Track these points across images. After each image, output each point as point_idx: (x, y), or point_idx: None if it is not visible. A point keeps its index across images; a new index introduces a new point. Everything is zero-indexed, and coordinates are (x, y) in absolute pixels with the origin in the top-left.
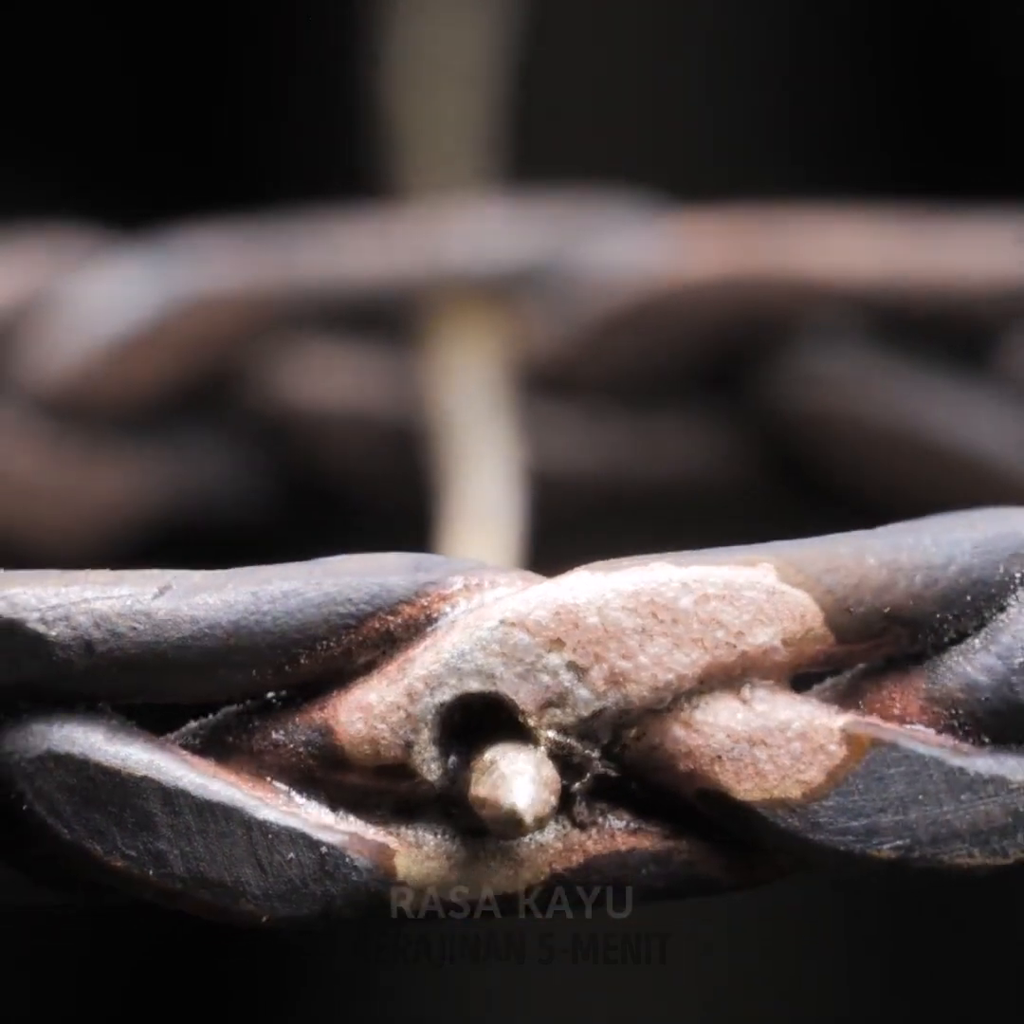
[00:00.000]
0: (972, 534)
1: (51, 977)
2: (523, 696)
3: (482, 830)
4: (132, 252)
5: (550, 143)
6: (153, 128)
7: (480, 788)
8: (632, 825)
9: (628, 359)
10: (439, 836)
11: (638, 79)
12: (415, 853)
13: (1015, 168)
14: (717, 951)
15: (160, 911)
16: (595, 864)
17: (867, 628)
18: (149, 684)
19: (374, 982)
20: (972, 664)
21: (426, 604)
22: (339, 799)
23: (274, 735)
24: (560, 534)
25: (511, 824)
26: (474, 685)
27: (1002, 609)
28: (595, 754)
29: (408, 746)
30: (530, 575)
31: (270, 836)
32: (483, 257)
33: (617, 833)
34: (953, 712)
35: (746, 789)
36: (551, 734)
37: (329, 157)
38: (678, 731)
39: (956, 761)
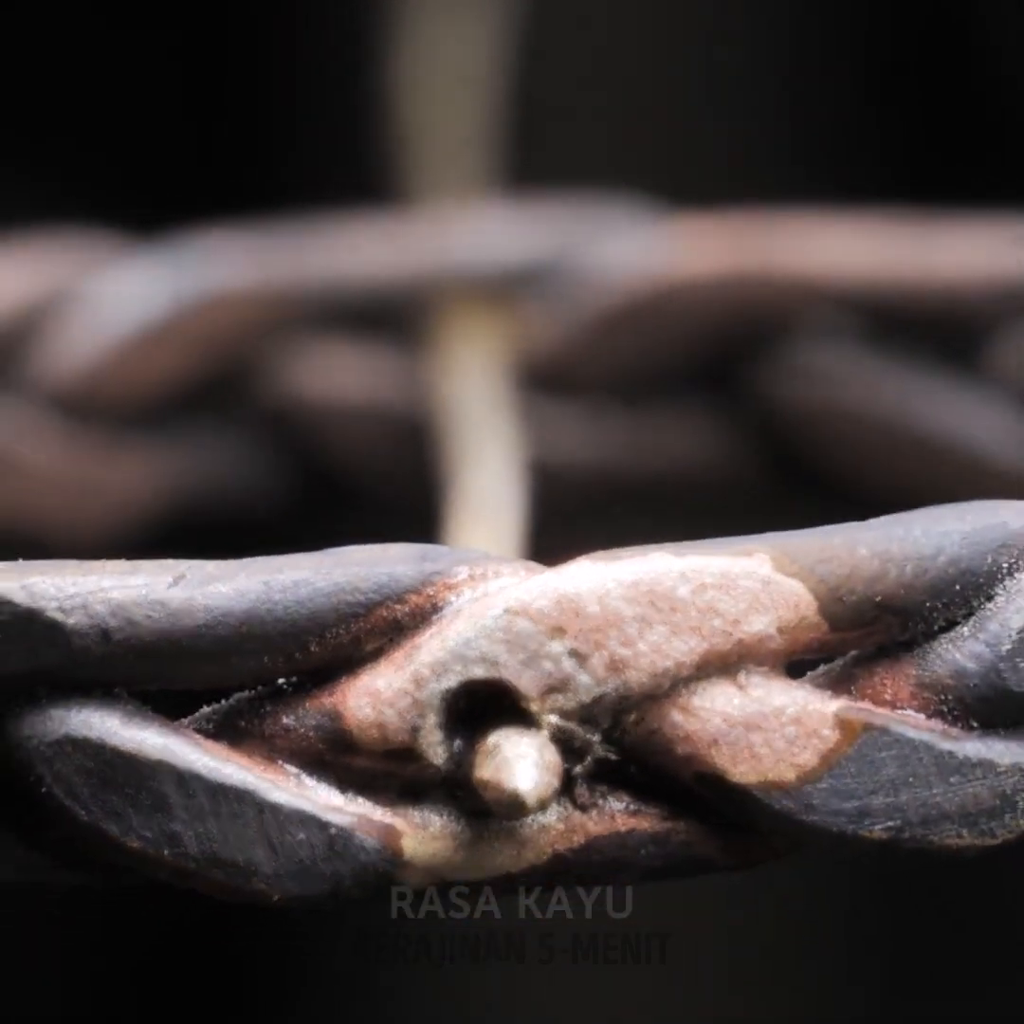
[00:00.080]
0: (961, 526)
1: (59, 956)
2: (526, 682)
3: (486, 812)
4: (146, 254)
5: (550, 149)
6: (163, 134)
7: (484, 771)
8: (632, 807)
9: (626, 355)
10: (444, 817)
11: (637, 85)
12: (421, 834)
13: (1009, 171)
14: (717, 951)
15: (173, 893)
16: (596, 844)
17: (859, 617)
18: (164, 671)
19: (374, 982)
20: (961, 651)
21: (432, 593)
22: (348, 782)
23: (285, 720)
24: (560, 526)
25: (514, 806)
26: (478, 672)
27: (990, 598)
28: (596, 738)
29: (415, 731)
30: (532, 565)
31: (281, 817)
32: (487, 258)
33: (617, 815)
34: (943, 698)
35: (742, 772)
36: (553, 719)
37: (338, 161)
38: (676, 716)
39: (945, 745)
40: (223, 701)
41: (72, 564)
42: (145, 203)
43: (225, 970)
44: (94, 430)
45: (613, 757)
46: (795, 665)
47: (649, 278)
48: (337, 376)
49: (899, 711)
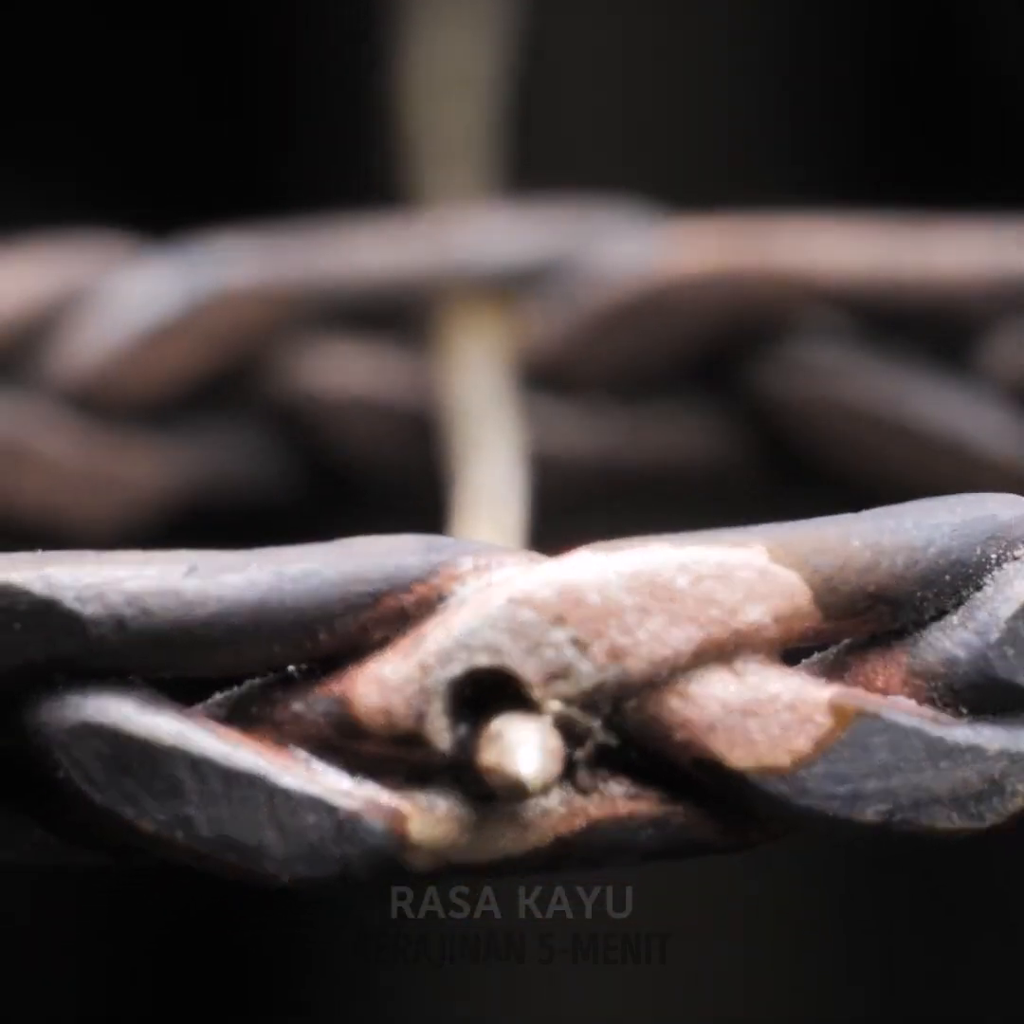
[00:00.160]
0: (951, 518)
1: (59, 942)
2: (529, 670)
3: (490, 796)
4: (159, 255)
5: (550, 153)
6: (172, 138)
7: (488, 756)
8: (632, 791)
9: (625, 352)
10: (450, 801)
11: (637, 90)
12: (427, 817)
13: (1005, 171)
14: (717, 951)
15: (181, 881)
16: (597, 827)
17: (852, 606)
18: (178, 659)
19: (374, 982)
20: (951, 640)
21: (438, 583)
22: (356, 766)
23: (295, 706)
24: (561, 518)
25: (517, 790)
26: (483, 659)
27: (979, 588)
28: (597, 724)
29: (421, 717)
30: (535, 556)
31: (291, 801)
32: (489, 258)
33: (617, 799)
34: (933, 685)
35: (738, 757)
36: (555, 705)
37: (346, 165)
38: (674, 703)
39: (936, 731)
40: (235, 688)
41: (89, 555)
42: (155, 206)
43: (225, 970)
44: (108, 425)
45: (614, 743)
46: (790, 653)
47: (647, 276)
48: (345, 373)
49: (891, 698)
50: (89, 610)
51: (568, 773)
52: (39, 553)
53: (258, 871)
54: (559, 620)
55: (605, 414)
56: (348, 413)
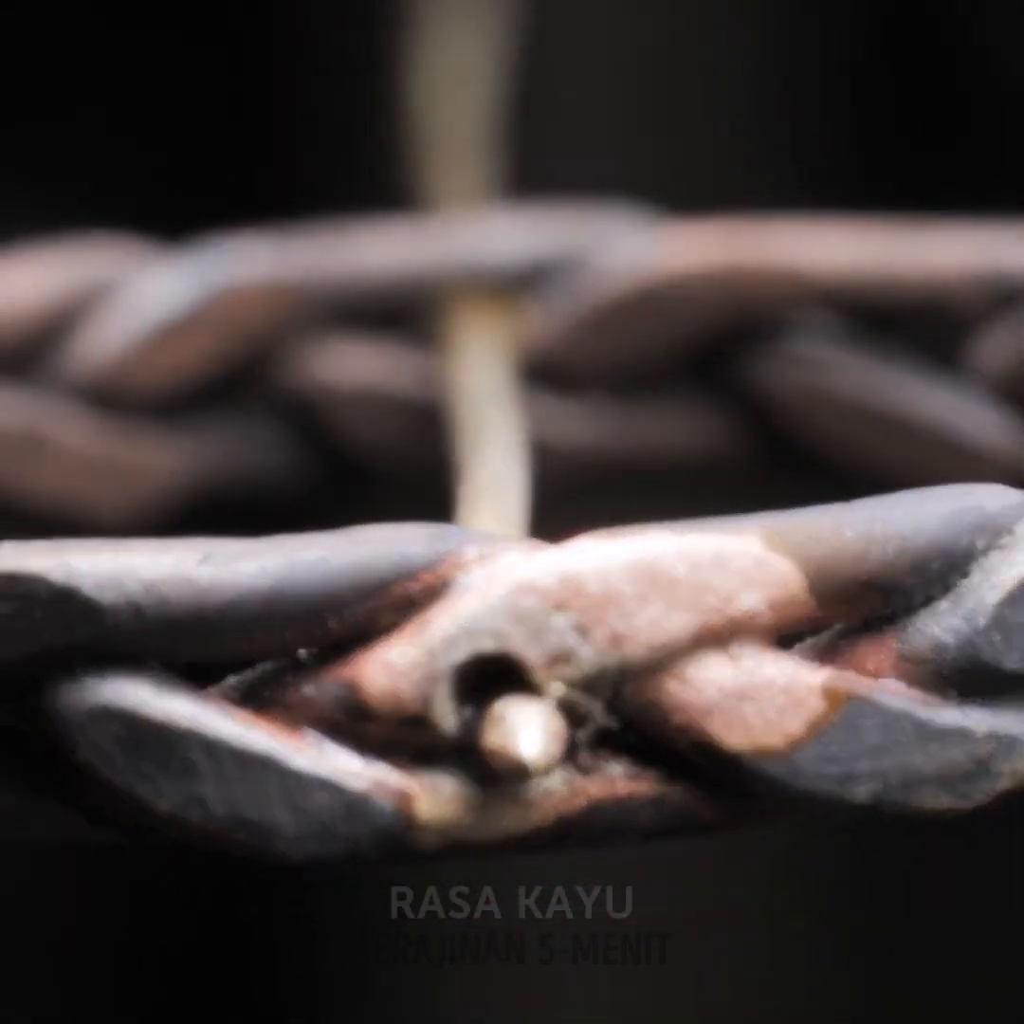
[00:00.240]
0: (941, 507)
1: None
2: (531, 654)
3: (495, 776)
4: (173, 256)
5: (551, 158)
6: (182, 144)
7: (492, 737)
8: (631, 772)
9: (622, 347)
10: (456, 782)
11: (637, 96)
12: (434, 797)
13: (998, 172)
14: (717, 951)
15: (184, 878)
16: (597, 807)
17: (845, 593)
18: (193, 644)
19: (374, 982)
20: (940, 626)
21: (443, 571)
22: (365, 749)
23: (306, 690)
24: (562, 508)
25: (520, 770)
26: (487, 645)
27: (966, 576)
28: (597, 707)
29: (427, 700)
30: (538, 544)
31: (303, 782)
32: (492, 258)
33: (618, 779)
34: (923, 669)
35: (734, 739)
36: (557, 689)
37: (355, 171)
38: (673, 687)
39: (925, 714)
40: (248, 672)
41: (106, 544)
42: (166, 210)
43: (225, 970)
44: (125, 418)
45: (614, 725)
46: (784, 638)
47: (644, 274)
48: (354, 367)
49: (882, 682)
50: (107, 598)
51: (570, 754)
52: (58, 542)
53: (270, 850)
54: (561, 607)
55: (603, 406)
56: (357, 406)
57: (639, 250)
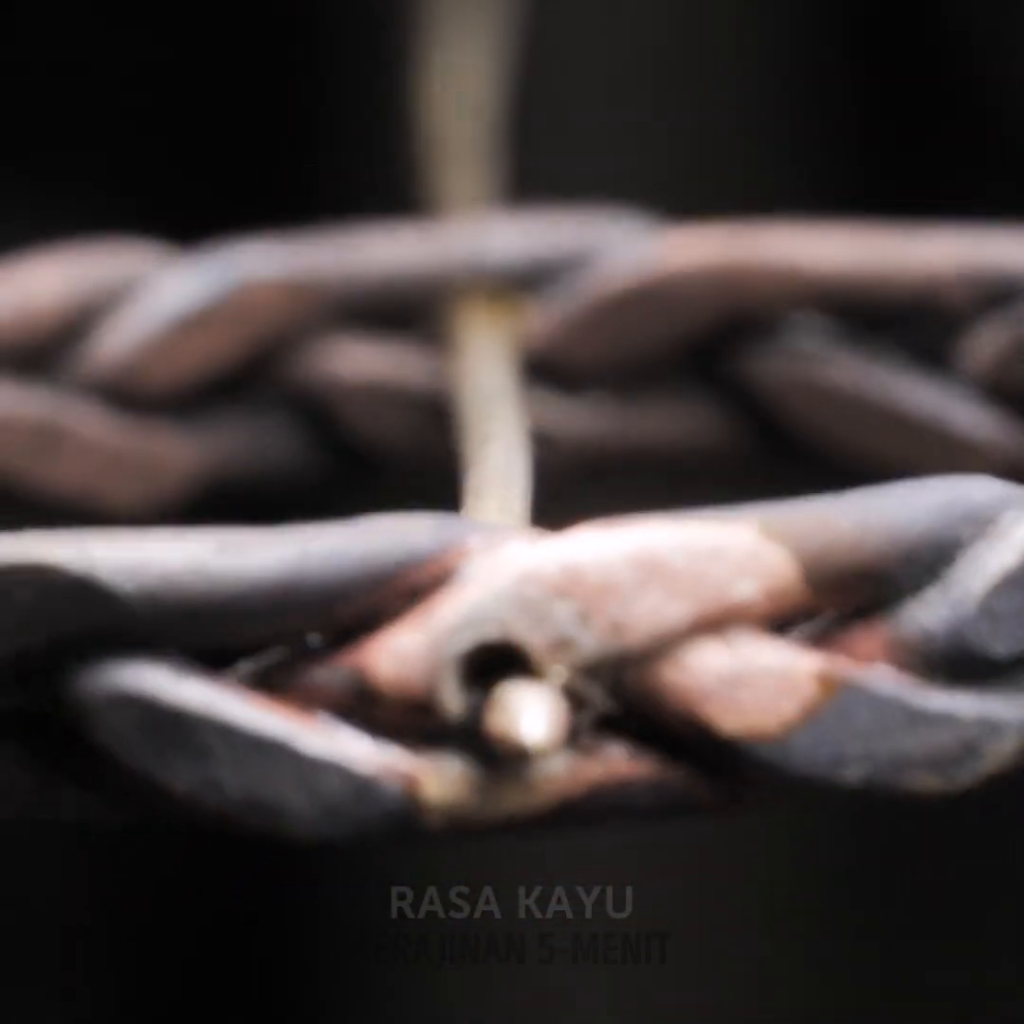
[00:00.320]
0: (931, 499)
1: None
2: (534, 641)
3: (499, 759)
4: (190, 257)
5: (552, 163)
6: (195, 152)
7: (496, 722)
8: (631, 756)
9: (621, 342)
10: (461, 765)
11: (636, 104)
12: (440, 780)
13: (993, 173)
14: (717, 951)
15: (186, 875)
16: (598, 790)
17: (838, 582)
18: (208, 631)
19: (374, 982)
20: (929, 614)
21: (449, 560)
22: (374, 732)
23: (316, 675)
24: (562, 498)
25: (523, 753)
26: (491, 632)
27: (955, 565)
28: (598, 693)
29: (433, 686)
30: (540, 534)
31: (314, 765)
32: (498, 258)
33: (618, 763)
34: (912, 656)
35: (730, 724)
36: (559, 675)
37: (365, 177)
38: (670, 673)
39: (914, 699)
40: (260, 657)
41: (124, 534)
42: (180, 217)
43: (225, 970)
44: (140, 412)
45: (614, 710)
46: (778, 625)
47: (643, 272)
48: (363, 362)
49: (873, 668)
50: (125, 586)
51: (572, 738)
52: (77, 533)
53: (282, 831)
54: (562, 595)
55: (604, 402)
56: (365, 401)
57: (639, 250)
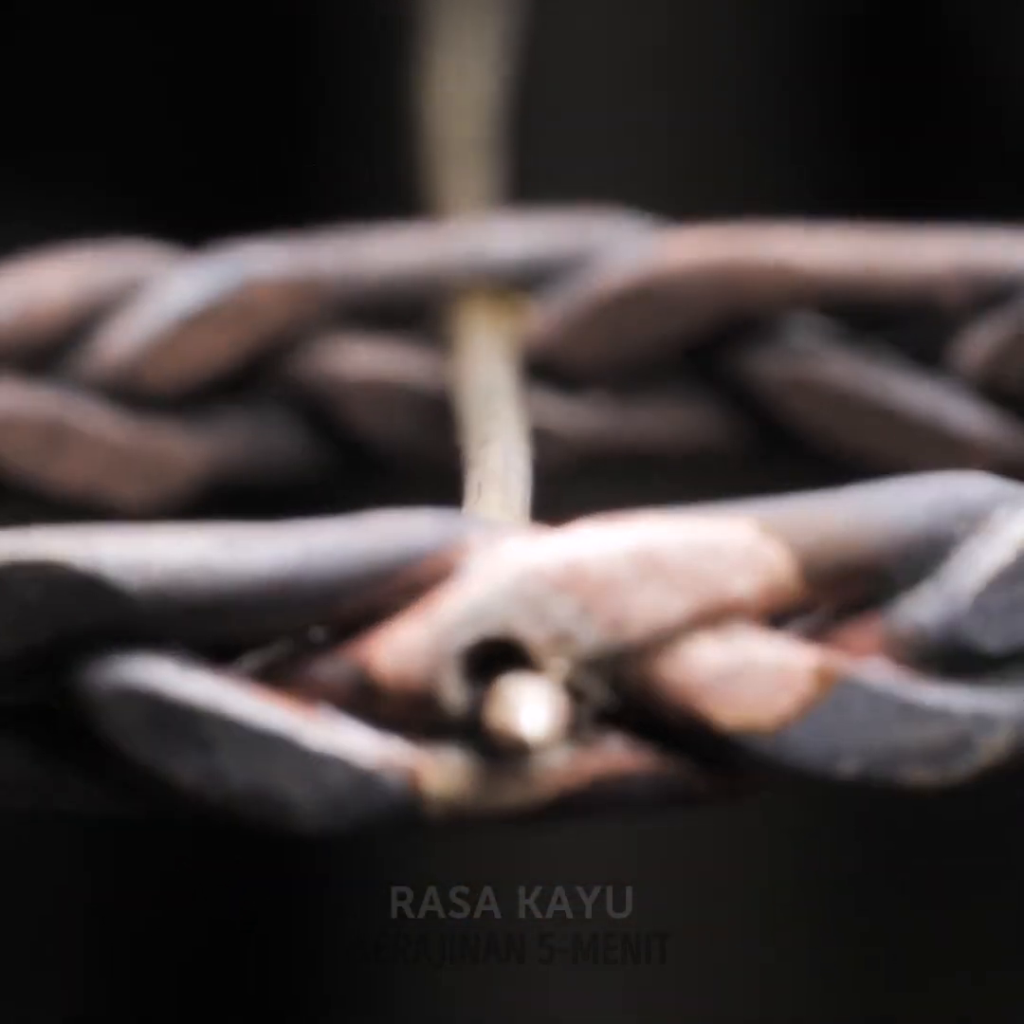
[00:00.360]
0: (926, 496)
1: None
2: (535, 636)
3: (499, 752)
4: (195, 258)
5: (551, 166)
6: (196, 154)
7: (496, 715)
8: (630, 748)
9: (620, 341)
10: (462, 757)
11: (636, 105)
12: (441, 773)
13: (991, 181)
14: (717, 951)
15: (185, 875)
16: (598, 782)
17: (834, 578)
18: (213, 626)
19: (374, 982)
20: (923, 609)
21: (451, 556)
22: (376, 725)
23: (319, 669)
24: (562, 495)
25: (523, 745)
26: (492, 626)
27: (949, 561)
28: (597, 687)
29: (434, 680)
30: (541, 530)
31: (317, 758)
32: (498, 259)
33: (617, 755)
34: (907, 651)
35: (727, 717)
36: (559, 669)
37: (367, 180)
38: (669, 667)
39: (909, 693)
40: (264, 651)
41: (129, 530)
42: (183, 219)
43: (225, 970)
44: (145, 409)
45: (614, 703)
46: (775, 620)
47: (642, 272)
48: (364, 360)
49: (868, 662)
50: (131, 582)
51: (572, 731)
52: (83, 529)
53: (285, 823)
54: (563, 590)
55: (603, 399)
56: (367, 398)
57: (638, 250)
